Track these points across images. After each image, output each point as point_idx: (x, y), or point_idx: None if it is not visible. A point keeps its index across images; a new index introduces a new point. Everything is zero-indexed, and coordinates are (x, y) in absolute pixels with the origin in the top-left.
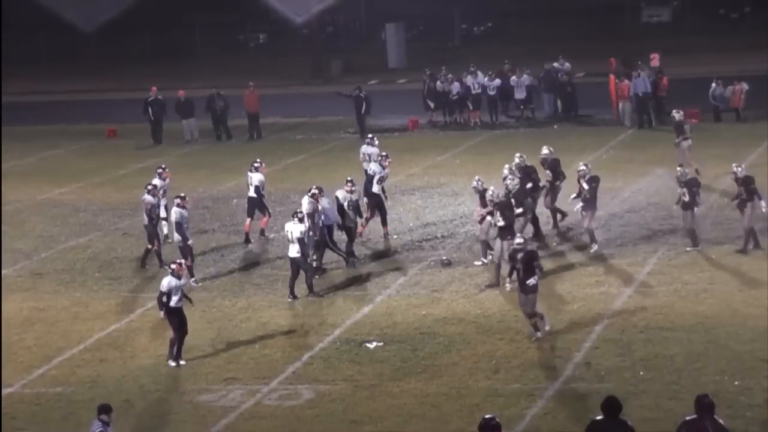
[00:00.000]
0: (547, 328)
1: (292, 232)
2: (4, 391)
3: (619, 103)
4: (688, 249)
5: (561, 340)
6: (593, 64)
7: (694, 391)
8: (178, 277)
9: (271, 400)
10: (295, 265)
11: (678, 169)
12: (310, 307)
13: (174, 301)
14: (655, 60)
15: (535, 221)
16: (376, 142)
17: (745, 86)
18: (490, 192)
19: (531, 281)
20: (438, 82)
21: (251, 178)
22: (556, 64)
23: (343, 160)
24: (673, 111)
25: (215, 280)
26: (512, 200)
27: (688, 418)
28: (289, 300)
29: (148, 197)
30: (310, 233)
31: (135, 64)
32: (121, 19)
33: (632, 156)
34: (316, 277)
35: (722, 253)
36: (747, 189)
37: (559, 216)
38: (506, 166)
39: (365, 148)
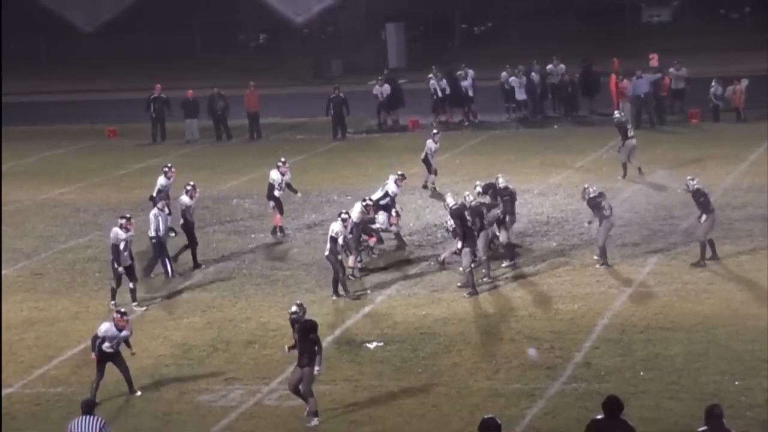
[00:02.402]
0: (313, 418)
1: (331, 230)
2: (4, 391)
3: (619, 103)
4: (597, 266)
5: (561, 340)
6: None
7: (694, 391)
8: (119, 329)
9: (271, 400)
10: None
11: (584, 186)
12: (310, 308)
13: (105, 346)
14: (654, 60)
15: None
16: (438, 137)
17: (745, 82)
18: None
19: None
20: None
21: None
22: (550, 66)
23: (343, 160)
24: (615, 112)
25: (215, 280)
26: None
27: (699, 429)
28: (333, 297)
29: (184, 198)
30: (349, 236)
31: (135, 64)
32: (121, 19)
33: (633, 154)
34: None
35: (722, 253)
36: (696, 202)
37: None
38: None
39: (429, 143)
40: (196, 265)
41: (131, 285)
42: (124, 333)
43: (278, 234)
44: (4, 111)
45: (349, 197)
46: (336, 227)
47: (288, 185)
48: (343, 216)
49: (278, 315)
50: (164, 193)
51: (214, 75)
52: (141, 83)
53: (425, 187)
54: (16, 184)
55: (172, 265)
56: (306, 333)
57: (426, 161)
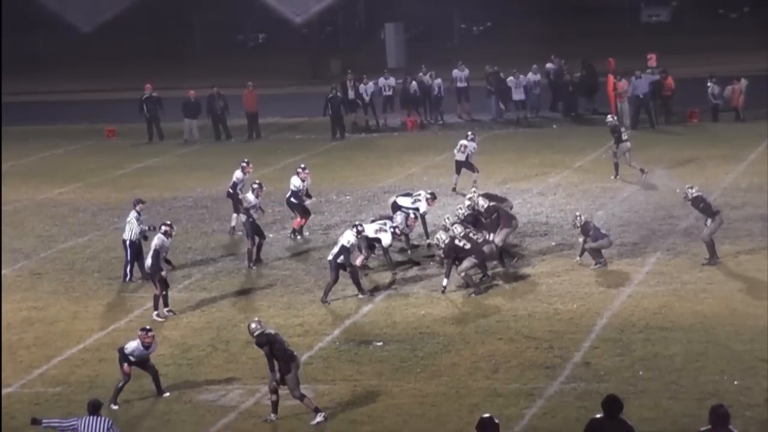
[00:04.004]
0: (316, 416)
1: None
2: (4, 391)
3: (617, 104)
4: (592, 268)
5: (561, 340)
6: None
7: (693, 391)
8: (146, 347)
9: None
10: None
11: (576, 214)
12: (309, 307)
13: (131, 359)
14: (652, 60)
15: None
16: (476, 138)
17: (744, 82)
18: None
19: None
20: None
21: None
22: (549, 65)
23: (342, 160)
24: (608, 116)
25: (215, 280)
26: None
27: (702, 429)
28: (361, 297)
29: (250, 196)
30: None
31: (135, 63)
32: (121, 19)
33: (631, 156)
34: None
35: (722, 253)
36: (698, 209)
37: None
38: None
39: (470, 145)
40: (258, 260)
41: (165, 291)
42: (151, 350)
43: (297, 236)
44: (4, 111)
45: (348, 197)
46: (350, 237)
47: (305, 190)
48: (359, 228)
49: (277, 315)
50: (240, 188)
51: (214, 75)
52: (140, 83)
53: (474, 187)
54: (15, 184)
55: (132, 270)
56: (285, 351)
57: (468, 164)
